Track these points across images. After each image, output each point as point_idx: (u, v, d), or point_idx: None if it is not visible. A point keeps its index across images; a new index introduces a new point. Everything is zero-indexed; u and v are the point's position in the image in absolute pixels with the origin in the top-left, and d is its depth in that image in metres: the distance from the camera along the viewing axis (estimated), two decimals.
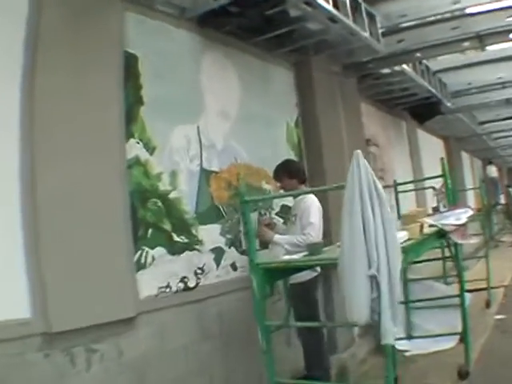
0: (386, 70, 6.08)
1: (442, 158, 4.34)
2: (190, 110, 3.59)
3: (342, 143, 5.21)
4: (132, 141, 3.10)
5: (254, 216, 3.82)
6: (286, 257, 3.02)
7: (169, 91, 3.40)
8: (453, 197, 4.18)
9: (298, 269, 3.06)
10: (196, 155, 3.59)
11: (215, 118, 3.86)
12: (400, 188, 5.51)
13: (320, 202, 3.74)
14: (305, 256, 2.99)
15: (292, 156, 4.79)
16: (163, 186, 3.27)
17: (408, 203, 6.08)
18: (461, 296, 3.96)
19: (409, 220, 3.03)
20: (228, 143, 3.95)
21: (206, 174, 3.66)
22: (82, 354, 2.62)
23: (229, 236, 3.79)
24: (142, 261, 3.06)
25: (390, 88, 6.74)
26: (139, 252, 3.04)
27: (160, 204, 3.23)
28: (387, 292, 2.31)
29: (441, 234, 3.39)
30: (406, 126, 8.47)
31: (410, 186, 5.61)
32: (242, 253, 3.86)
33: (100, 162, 2.83)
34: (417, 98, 7.27)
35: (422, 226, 3.08)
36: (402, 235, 2.86)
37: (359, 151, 2.46)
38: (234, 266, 3.76)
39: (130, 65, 3.15)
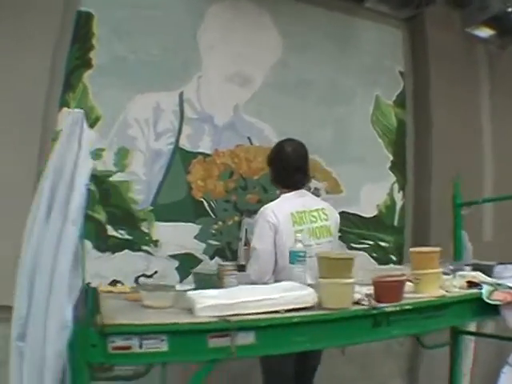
0: None
1: None
2: (170, 72, 2.84)
3: (479, 136, 3.39)
4: (65, 111, 2.62)
5: None
6: None
7: (136, 51, 2.79)
8: None
9: None
10: (169, 130, 2.82)
11: (220, 82, 2.98)
12: None
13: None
14: None
15: (382, 146, 3.31)
16: (102, 165, 2.65)
17: None
18: None
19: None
20: (239, 117, 2.98)
21: (183, 156, 2.82)
22: None
23: (213, 242, 2.81)
24: None
25: None
26: None
27: (92, 187, 2.62)
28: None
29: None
30: None
31: None
32: (240, 269, 2.79)
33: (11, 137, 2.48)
34: None
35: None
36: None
37: (67, 109, 1.29)
38: None
39: (81, 25, 2.71)
